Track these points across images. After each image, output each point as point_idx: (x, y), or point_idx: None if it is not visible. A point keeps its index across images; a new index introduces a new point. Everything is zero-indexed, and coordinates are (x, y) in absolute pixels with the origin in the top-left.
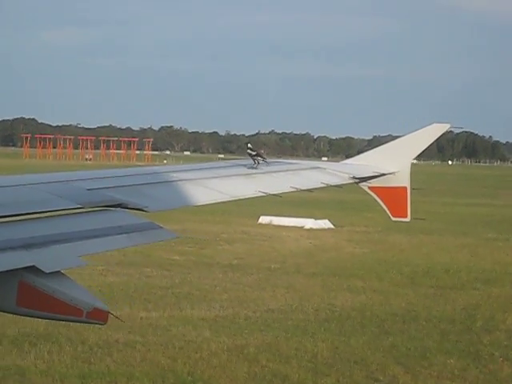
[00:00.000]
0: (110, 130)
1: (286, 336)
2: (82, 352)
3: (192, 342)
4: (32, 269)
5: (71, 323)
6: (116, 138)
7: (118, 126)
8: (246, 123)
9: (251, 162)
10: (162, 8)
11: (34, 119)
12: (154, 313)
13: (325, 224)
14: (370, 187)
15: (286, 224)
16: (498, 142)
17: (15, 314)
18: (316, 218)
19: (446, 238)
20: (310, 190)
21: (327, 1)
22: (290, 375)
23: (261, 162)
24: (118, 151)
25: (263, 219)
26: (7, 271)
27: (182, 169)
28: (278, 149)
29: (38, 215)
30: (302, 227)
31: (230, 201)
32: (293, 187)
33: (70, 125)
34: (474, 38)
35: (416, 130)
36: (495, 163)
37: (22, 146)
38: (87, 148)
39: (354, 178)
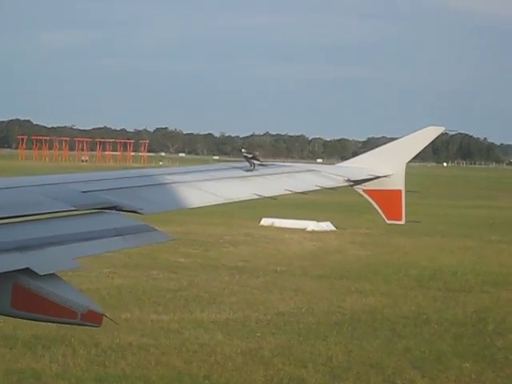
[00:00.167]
0: (104, 132)
1: (298, 339)
2: (96, 355)
3: (205, 345)
4: (27, 271)
5: (84, 326)
6: (112, 140)
7: (113, 128)
8: (241, 125)
9: (247, 164)
10: (159, 9)
11: (29, 121)
12: (164, 316)
13: (327, 226)
14: (364, 190)
15: (288, 226)
16: (492, 143)
17: (10, 316)
18: (318, 221)
19: (450, 241)
20: (304, 193)
21: (323, 2)
22: (306, 379)
23: (257, 164)
24: (113, 153)
25: (265, 221)
26: (2, 273)
27: (177, 171)
28: (272, 150)
29: (32, 217)
30: (304, 229)
31: (224, 203)
32: (287, 190)
33: (65, 126)
34: (469, 40)
35: (410, 132)
36: (490, 165)
37: (16, 148)
38: (83, 150)
39: (348, 180)
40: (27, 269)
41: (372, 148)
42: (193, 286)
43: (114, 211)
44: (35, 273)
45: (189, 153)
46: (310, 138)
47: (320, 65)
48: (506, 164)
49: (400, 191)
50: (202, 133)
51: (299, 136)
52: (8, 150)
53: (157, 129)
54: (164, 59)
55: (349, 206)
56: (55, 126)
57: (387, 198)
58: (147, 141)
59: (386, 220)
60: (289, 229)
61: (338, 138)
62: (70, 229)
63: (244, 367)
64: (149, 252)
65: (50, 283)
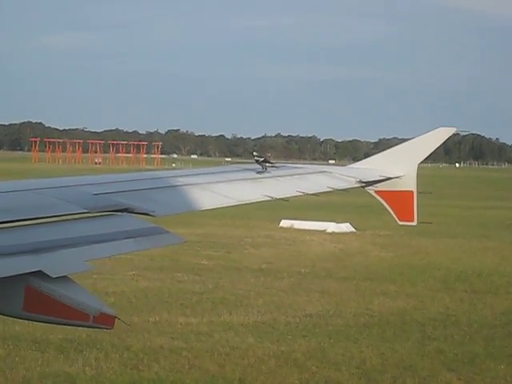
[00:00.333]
0: (116, 134)
1: (329, 342)
2: (129, 358)
3: (237, 348)
4: (39, 274)
5: (116, 330)
6: (125, 142)
7: (125, 130)
8: (252, 126)
9: (258, 166)
10: (171, 11)
11: (41, 123)
12: (192, 318)
13: (346, 228)
14: (376, 191)
15: (308, 228)
16: (504, 144)
17: (22, 318)
18: (337, 222)
19: (470, 242)
20: (316, 194)
21: (331, 3)
22: (342, 382)
23: (268, 166)
24: (126, 155)
25: (284, 223)
26: (14, 276)
27: (188, 173)
28: (284, 152)
29: (44, 220)
30: (323, 231)
31: (236, 205)
32: (299, 191)
33: (77, 129)
34: (481, 40)
35: (422, 132)
36: (503, 165)
37: (29, 150)
38: (96, 152)
39: (360, 181)
40: (39, 271)
41: (383, 149)
42: (218, 288)
43: (125, 213)
44: (47, 275)
45: (201, 154)
46: (321, 139)
47: (332, 66)
48: None
49: (412, 192)
50: (213, 135)
51: (311, 137)
52: (20, 152)
53: (168, 131)
54: (176, 61)
55: (365, 207)
56: (67, 128)
57: (399, 199)
58: (160, 143)
59: (398, 221)
60: (308, 230)
61: (350, 139)
62: (82, 231)
63: (278, 370)
64: (171, 254)
65: (62, 286)
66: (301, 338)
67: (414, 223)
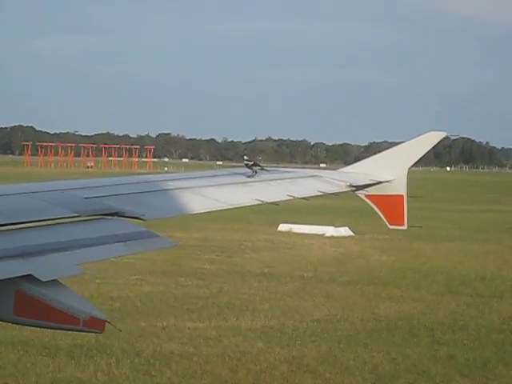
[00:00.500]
0: (107, 137)
1: (339, 347)
2: (140, 364)
3: (247, 353)
4: (29, 277)
5: (125, 335)
6: (117, 146)
7: (116, 134)
8: (243, 130)
9: (249, 170)
10: (160, 15)
11: (31, 127)
12: (200, 323)
13: (345, 232)
14: (366, 195)
15: (307, 232)
16: (494, 147)
17: (12, 322)
18: (335, 226)
19: (470, 245)
20: (306, 199)
21: (324, 7)
22: None
23: (259, 170)
24: (119, 159)
25: (283, 227)
26: (4, 280)
27: (179, 177)
28: (275, 155)
29: (34, 224)
30: (322, 235)
31: (227, 209)
32: (290, 195)
33: (68, 132)
34: (474, 46)
35: (412, 136)
36: (493, 169)
37: (20, 154)
38: (88, 156)
39: (350, 186)
40: (29, 275)
41: (374, 153)
42: (223, 292)
43: (116, 217)
44: (38, 279)
45: (192, 158)
46: (312, 143)
47: (321, 69)
48: (509, 168)
49: (402, 196)
50: (204, 138)
51: (301, 141)
52: (11, 156)
53: (159, 134)
54: (166, 65)
55: (360, 211)
56: (58, 132)
57: (389, 204)
58: (153, 147)
59: (388, 225)
60: (307, 234)
61: (340, 142)
62: (73, 235)
63: (291, 376)
64: (172, 259)
65: (52, 289)
66: (310, 343)
67: (405, 227)
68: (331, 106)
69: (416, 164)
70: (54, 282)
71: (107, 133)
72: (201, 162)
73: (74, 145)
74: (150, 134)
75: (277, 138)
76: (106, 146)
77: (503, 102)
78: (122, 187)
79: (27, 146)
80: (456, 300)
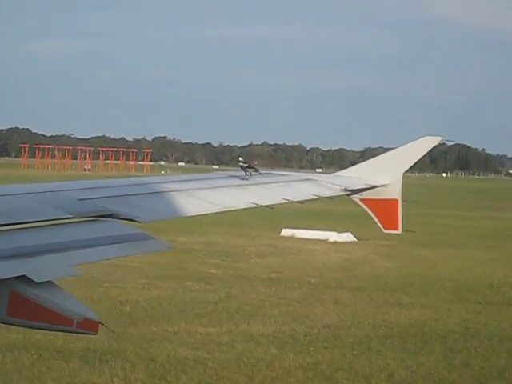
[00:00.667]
0: (103, 141)
1: (353, 353)
2: (155, 369)
3: (262, 359)
4: (23, 278)
5: (138, 339)
6: (114, 149)
7: (112, 137)
8: (239, 134)
9: (243, 173)
10: (156, 19)
11: (28, 129)
12: (211, 328)
13: (348, 237)
14: (361, 199)
15: (309, 237)
16: (490, 154)
17: (6, 323)
18: (338, 231)
19: (474, 252)
20: (301, 202)
21: (320, 13)
22: None
23: (253, 173)
24: (116, 162)
25: (285, 232)
26: None
27: (174, 179)
28: (271, 160)
29: (29, 225)
30: (325, 240)
31: (221, 212)
32: (284, 199)
33: (64, 135)
34: (470, 53)
35: (407, 141)
36: (489, 175)
37: (16, 156)
38: (85, 158)
39: (345, 189)
40: (24, 276)
41: (369, 158)
42: (231, 297)
43: (110, 219)
44: (32, 280)
45: (188, 162)
46: (307, 148)
47: (317, 75)
48: (504, 175)
49: (397, 201)
50: (200, 142)
51: (297, 146)
52: (7, 158)
53: (155, 138)
54: (162, 69)
55: (361, 217)
56: (54, 134)
57: (384, 208)
58: (150, 150)
59: (383, 229)
60: (310, 240)
61: (336, 147)
62: (67, 236)
63: (308, 382)
64: (178, 263)
65: (46, 291)
66: (324, 350)
67: (399, 231)
68: (327, 112)
69: (412, 170)
70: (48, 283)
71: (103, 136)
72: (197, 166)
73: (71, 147)
74: (146, 138)
75: (272, 143)
76: (104, 149)
77: (499, 109)
78: (116, 189)
79: (24, 148)
80: (465, 307)
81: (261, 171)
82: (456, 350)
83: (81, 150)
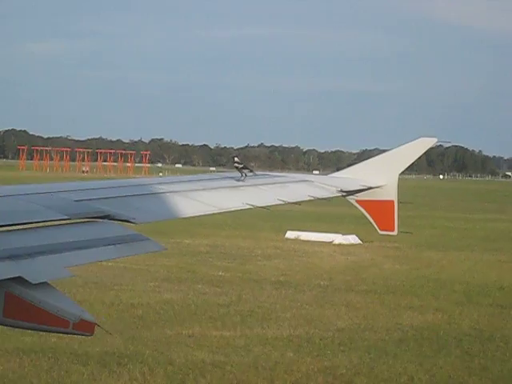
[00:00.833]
0: (100, 142)
1: (370, 357)
2: (174, 373)
3: (279, 363)
4: (19, 280)
5: (153, 343)
6: (113, 151)
7: (109, 139)
8: (235, 136)
9: (239, 174)
10: (153, 21)
11: (25, 131)
12: (225, 332)
13: (353, 239)
14: (357, 200)
15: (314, 239)
16: (487, 156)
17: (1, 324)
18: (343, 233)
19: (481, 255)
20: (297, 203)
21: (317, 14)
22: None
23: (248, 174)
24: (114, 164)
25: (290, 234)
26: None
27: (169, 181)
28: (268, 162)
29: (24, 226)
30: (330, 242)
31: (217, 213)
32: (280, 200)
33: (61, 137)
34: (464, 54)
35: (403, 143)
36: (486, 177)
37: (13, 158)
38: (84, 160)
39: (341, 191)
40: (19, 277)
41: (366, 160)
42: (242, 300)
43: (106, 220)
44: (27, 281)
45: (185, 164)
46: (304, 150)
47: (314, 77)
48: (502, 176)
49: (392, 202)
50: (197, 144)
51: (294, 147)
52: (4, 160)
53: (152, 139)
54: (159, 71)
55: (364, 218)
56: (51, 136)
57: (380, 209)
58: (149, 152)
59: (379, 231)
60: (315, 242)
61: (333, 149)
62: (63, 238)
63: None
64: (185, 265)
65: (42, 292)
66: (340, 353)
67: (395, 233)
68: (324, 113)
69: (409, 172)
70: (44, 284)
71: (100, 137)
72: (194, 168)
73: (69, 149)
74: (143, 140)
75: (269, 145)
76: (102, 150)
77: (495, 111)
78: (112, 190)
79: (22, 150)
80: (478, 310)
81: (256, 172)
82: (473, 354)
83: (79, 151)
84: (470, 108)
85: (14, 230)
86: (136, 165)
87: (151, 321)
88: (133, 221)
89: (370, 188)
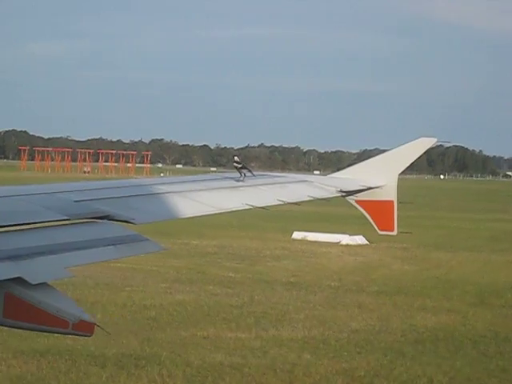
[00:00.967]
0: (100, 143)
1: (387, 359)
2: (192, 375)
3: (297, 364)
4: (18, 280)
5: (169, 344)
6: (114, 151)
7: (109, 139)
8: (236, 136)
9: (238, 174)
10: (152, 21)
11: (25, 132)
12: (240, 333)
13: (360, 240)
14: (356, 201)
15: (321, 240)
16: (487, 156)
17: (1, 325)
18: (350, 234)
19: (489, 255)
20: (296, 204)
21: (318, 15)
22: None
23: (247, 174)
24: (115, 164)
25: (297, 235)
26: None
27: (169, 181)
28: (268, 162)
29: (24, 227)
30: (337, 243)
31: (217, 213)
32: (280, 200)
33: (61, 137)
34: (464, 54)
35: (403, 143)
36: (487, 177)
37: (13, 159)
38: (85, 161)
39: (341, 191)
40: (19, 278)
41: (366, 160)
42: (254, 302)
43: (106, 221)
44: (27, 282)
45: (185, 164)
46: (304, 150)
47: (314, 77)
48: (502, 176)
49: (392, 202)
50: (197, 144)
51: (294, 148)
52: (5, 160)
53: (153, 140)
54: (159, 71)
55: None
56: (51, 136)
57: (379, 209)
58: (150, 152)
59: (378, 231)
60: (322, 242)
61: (333, 149)
62: (62, 238)
63: None
64: (195, 266)
65: (41, 292)
66: (357, 355)
67: (394, 233)
68: (324, 113)
69: (409, 172)
70: (44, 284)
71: (100, 138)
72: (195, 168)
73: (70, 150)
74: (144, 140)
75: (269, 145)
76: (103, 151)
77: (495, 111)
78: (112, 191)
79: (24, 150)
80: (491, 311)
81: (254, 173)
82: (490, 355)
83: (80, 152)
84: (470, 108)
85: (14, 230)
86: (137, 165)
87: (165, 322)
88: (132, 221)
89: (370, 188)
